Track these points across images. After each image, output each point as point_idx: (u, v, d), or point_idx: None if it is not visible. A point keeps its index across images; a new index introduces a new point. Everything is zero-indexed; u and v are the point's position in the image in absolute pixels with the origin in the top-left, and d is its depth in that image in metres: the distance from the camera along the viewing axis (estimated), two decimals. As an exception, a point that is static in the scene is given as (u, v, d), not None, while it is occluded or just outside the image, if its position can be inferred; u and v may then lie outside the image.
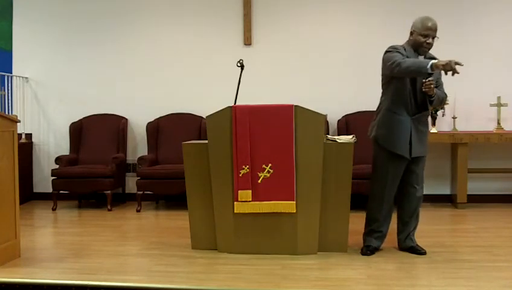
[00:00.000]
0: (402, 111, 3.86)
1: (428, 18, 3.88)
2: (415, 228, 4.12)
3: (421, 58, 3.86)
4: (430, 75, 3.75)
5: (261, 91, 6.02)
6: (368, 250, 4.01)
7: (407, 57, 3.79)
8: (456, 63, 3.52)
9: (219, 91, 5.98)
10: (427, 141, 4.06)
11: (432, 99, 3.87)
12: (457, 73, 3.53)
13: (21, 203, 4.43)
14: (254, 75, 5.64)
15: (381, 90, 4.03)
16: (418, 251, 4.01)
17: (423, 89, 3.79)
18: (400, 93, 3.86)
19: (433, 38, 3.82)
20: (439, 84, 4.00)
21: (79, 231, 5.15)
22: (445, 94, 4.09)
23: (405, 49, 3.87)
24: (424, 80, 3.78)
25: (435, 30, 3.83)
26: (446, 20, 6.20)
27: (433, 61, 3.60)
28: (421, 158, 3.99)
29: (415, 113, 3.88)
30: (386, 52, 3.90)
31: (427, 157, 4.07)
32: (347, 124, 6.09)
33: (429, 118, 5.90)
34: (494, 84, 6.08)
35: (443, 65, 3.54)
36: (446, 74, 3.62)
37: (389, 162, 3.90)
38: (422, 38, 3.81)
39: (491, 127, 6.05)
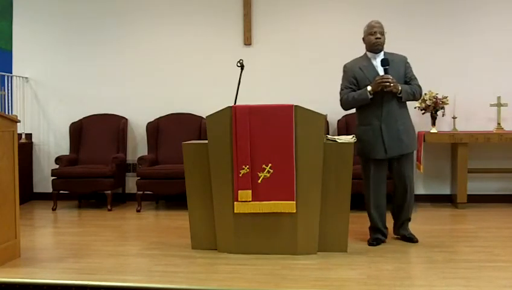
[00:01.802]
0: (371, 120, 4.17)
1: (371, 20, 4.26)
2: (408, 219, 4.36)
3: (379, 56, 4.18)
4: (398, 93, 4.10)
5: (261, 91, 6.02)
6: (374, 241, 4.28)
7: (361, 69, 4.17)
8: (381, 78, 4.01)
9: (219, 91, 5.98)
10: (411, 136, 4.25)
11: (399, 95, 4.11)
12: (389, 86, 4.00)
13: (21, 203, 4.44)
14: (254, 75, 5.64)
15: None
16: (410, 239, 4.29)
17: (380, 87, 4.04)
18: (367, 105, 4.15)
19: (380, 33, 4.16)
20: (410, 79, 4.22)
21: (79, 231, 5.15)
22: (419, 86, 4.24)
23: (359, 67, 4.20)
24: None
25: (380, 26, 4.20)
26: (446, 20, 6.23)
27: (369, 88, 4.07)
28: (403, 157, 4.21)
29: (385, 117, 4.13)
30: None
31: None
32: (347, 124, 6.09)
33: (429, 117, 5.96)
34: (494, 84, 6.08)
35: (374, 86, 4.04)
36: (384, 89, 4.03)
37: (370, 168, 4.24)
38: (371, 37, 4.17)
39: (491, 127, 6.04)
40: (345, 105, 4.26)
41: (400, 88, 4.07)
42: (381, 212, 4.31)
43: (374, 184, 4.23)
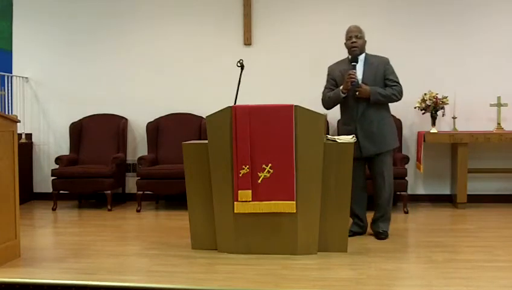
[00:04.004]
0: (348, 120, 4.42)
1: (350, 25, 4.49)
2: (382, 216, 4.45)
3: (360, 58, 4.37)
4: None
5: (261, 91, 6.02)
6: (350, 232, 4.31)
7: (340, 72, 4.40)
8: (347, 74, 4.25)
9: (219, 91, 5.97)
10: (388, 136, 4.38)
11: (369, 98, 4.29)
12: (354, 80, 4.25)
13: (21, 203, 4.43)
14: (254, 75, 5.63)
15: None
16: (378, 236, 4.39)
17: (348, 83, 4.28)
18: (345, 105, 4.43)
19: (356, 37, 4.37)
20: (389, 80, 4.37)
21: (79, 231, 5.15)
22: (397, 87, 4.35)
23: (339, 70, 4.44)
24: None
25: (357, 30, 4.41)
26: (446, 20, 6.23)
27: (341, 87, 4.34)
28: (380, 155, 4.37)
29: (360, 118, 4.33)
30: None
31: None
32: (347, 124, 6.09)
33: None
34: (494, 84, 6.07)
35: (344, 85, 4.30)
36: (349, 84, 4.28)
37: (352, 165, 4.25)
38: (348, 42, 4.42)
39: (491, 127, 6.04)
40: (323, 103, 4.54)
41: (369, 91, 4.25)
42: (359, 204, 4.47)
43: (353, 178, 4.16)
